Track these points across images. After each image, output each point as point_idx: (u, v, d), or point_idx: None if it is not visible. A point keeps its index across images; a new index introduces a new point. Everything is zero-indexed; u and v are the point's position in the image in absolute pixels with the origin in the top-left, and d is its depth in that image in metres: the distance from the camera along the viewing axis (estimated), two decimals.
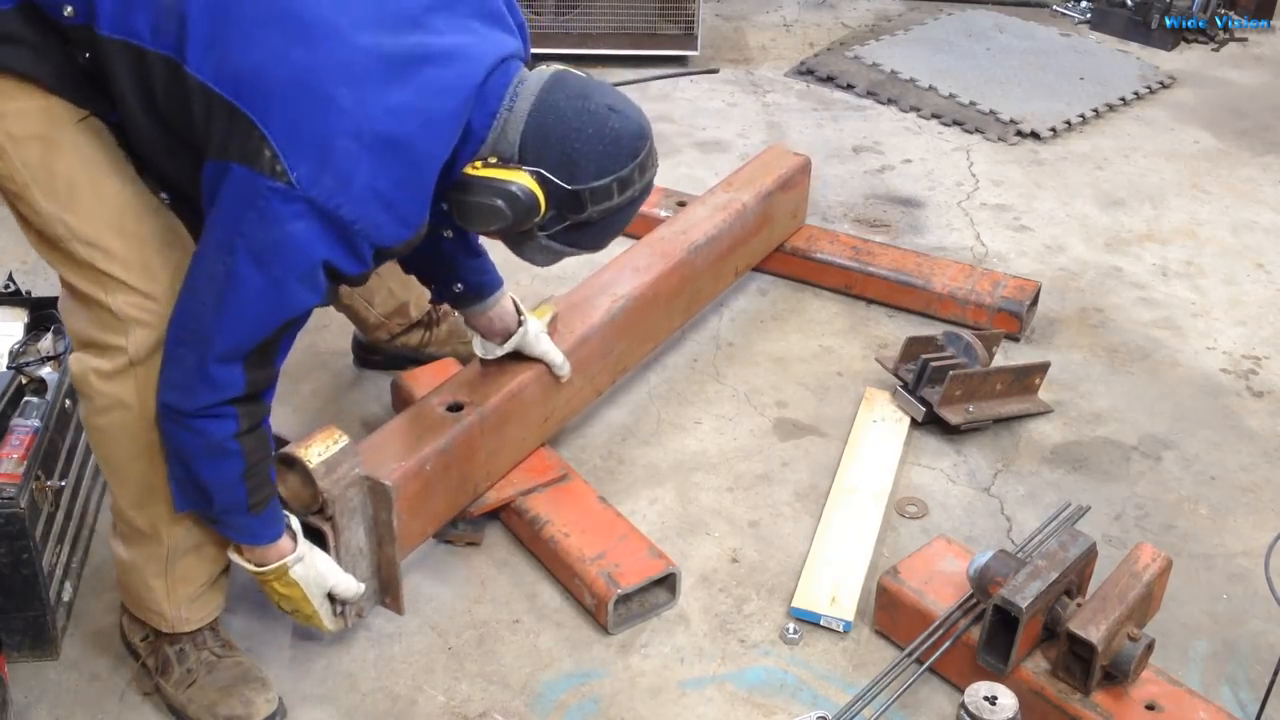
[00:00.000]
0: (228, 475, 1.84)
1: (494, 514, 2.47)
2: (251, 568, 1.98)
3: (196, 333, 1.75)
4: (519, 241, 1.94)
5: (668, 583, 2.32)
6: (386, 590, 2.25)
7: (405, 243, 1.79)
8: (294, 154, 1.63)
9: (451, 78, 1.74)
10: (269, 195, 1.64)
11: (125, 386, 1.84)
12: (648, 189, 1.92)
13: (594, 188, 1.82)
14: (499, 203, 1.79)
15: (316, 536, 2.08)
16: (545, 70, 1.86)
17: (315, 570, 2.03)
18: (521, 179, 1.79)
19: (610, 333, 2.66)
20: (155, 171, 1.87)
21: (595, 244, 1.96)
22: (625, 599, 2.26)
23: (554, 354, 2.45)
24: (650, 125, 1.91)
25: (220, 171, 1.66)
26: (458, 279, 2.27)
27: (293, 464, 2.05)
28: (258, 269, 1.69)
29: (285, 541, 1.98)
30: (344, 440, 2.08)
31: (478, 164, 1.82)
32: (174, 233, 1.86)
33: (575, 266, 3.35)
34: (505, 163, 1.81)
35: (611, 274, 2.79)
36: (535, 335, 2.42)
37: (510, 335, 2.38)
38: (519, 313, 2.40)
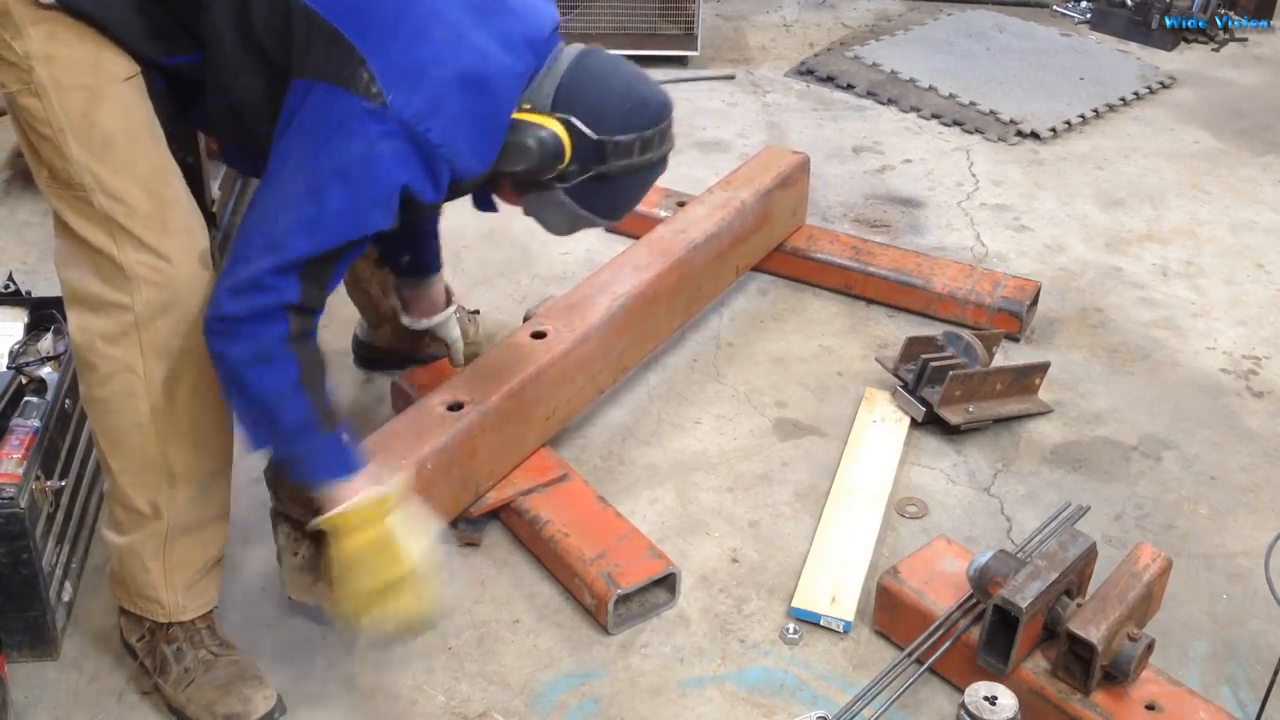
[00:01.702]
0: (283, 381, 1.80)
1: (494, 514, 2.47)
2: (345, 512, 1.81)
3: (261, 242, 1.78)
4: (539, 197, 1.99)
5: (667, 582, 2.32)
6: None
7: (475, 179, 1.90)
8: (390, 79, 1.74)
9: (526, 31, 1.90)
10: (363, 116, 1.74)
11: (131, 350, 1.85)
12: (664, 162, 2.03)
13: (617, 140, 1.92)
14: (530, 142, 1.88)
15: (318, 541, 2.08)
16: (578, 45, 2.00)
17: (413, 509, 1.88)
18: (552, 125, 1.90)
19: (610, 331, 2.66)
20: (203, 115, 1.96)
21: (609, 209, 2.02)
22: (625, 599, 2.26)
23: (458, 342, 2.62)
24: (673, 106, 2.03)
25: (313, 91, 1.75)
26: (409, 250, 2.46)
27: None
28: (341, 185, 1.76)
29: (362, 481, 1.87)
30: None
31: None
32: (192, 201, 1.91)
33: (575, 266, 3.35)
34: (538, 110, 1.91)
35: (611, 273, 2.79)
36: (452, 320, 2.60)
37: (436, 314, 2.56)
38: (449, 297, 2.59)
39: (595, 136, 1.91)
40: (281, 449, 1.89)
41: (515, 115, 1.90)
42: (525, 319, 2.71)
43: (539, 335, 2.56)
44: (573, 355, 2.54)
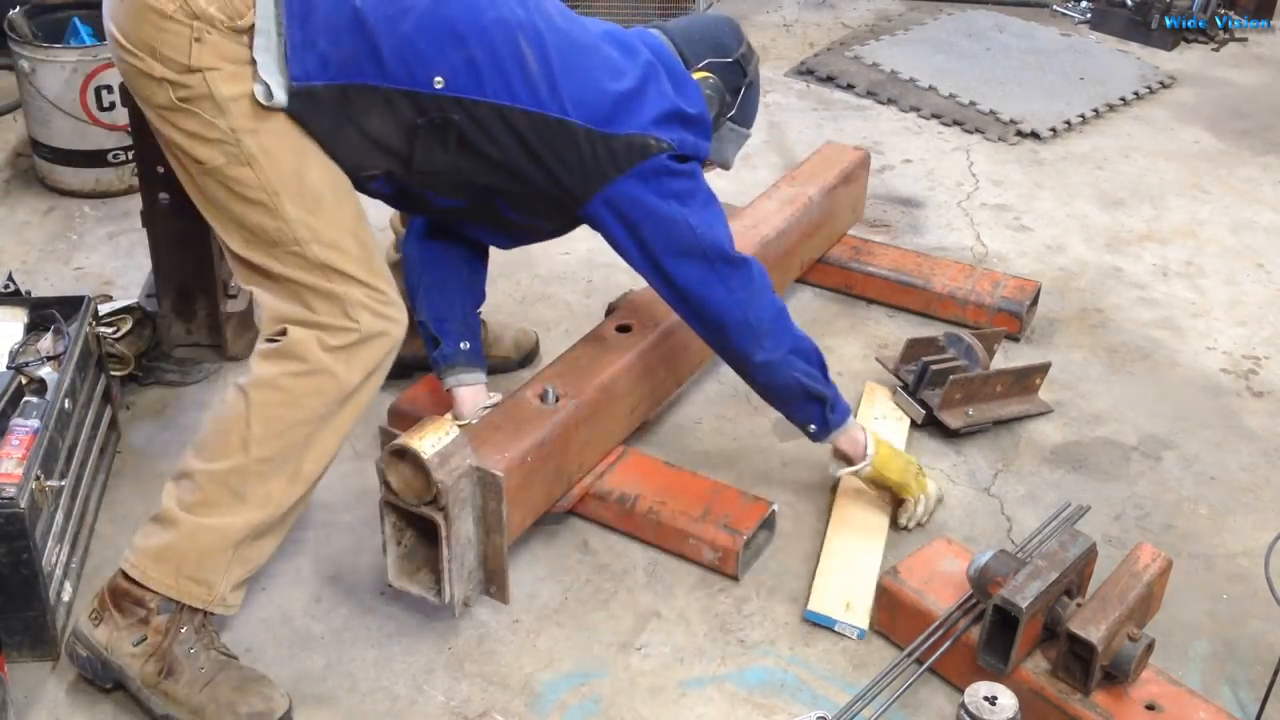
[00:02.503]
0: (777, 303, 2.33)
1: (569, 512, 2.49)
2: (870, 441, 2.40)
3: (709, 256, 2.23)
4: (719, 139, 2.38)
5: (768, 521, 2.44)
6: (492, 580, 2.25)
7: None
8: (662, 132, 2.18)
9: (627, 38, 2.29)
10: (669, 162, 2.18)
11: (341, 360, 1.99)
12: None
13: (743, 53, 2.39)
14: (709, 93, 2.32)
15: (427, 527, 2.10)
16: (635, 27, 2.37)
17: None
18: (701, 74, 2.33)
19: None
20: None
21: (753, 112, 2.47)
22: (746, 543, 2.36)
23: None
24: None
25: (621, 187, 2.16)
26: (467, 330, 2.48)
27: (404, 455, 2.06)
28: (702, 207, 2.24)
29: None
30: (455, 431, 2.11)
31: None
32: (376, 240, 2.08)
33: (575, 266, 3.36)
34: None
35: None
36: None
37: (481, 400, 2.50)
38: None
39: (729, 60, 2.35)
40: (829, 392, 2.34)
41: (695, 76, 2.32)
42: (608, 312, 2.74)
43: (624, 329, 2.58)
44: (657, 349, 2.56)
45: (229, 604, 2.08)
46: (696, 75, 2.32)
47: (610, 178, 2.15)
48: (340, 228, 1.99)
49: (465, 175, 2.12)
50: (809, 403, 2.35)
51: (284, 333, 1.99)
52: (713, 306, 2.26)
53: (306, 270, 1.97)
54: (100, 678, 2.08)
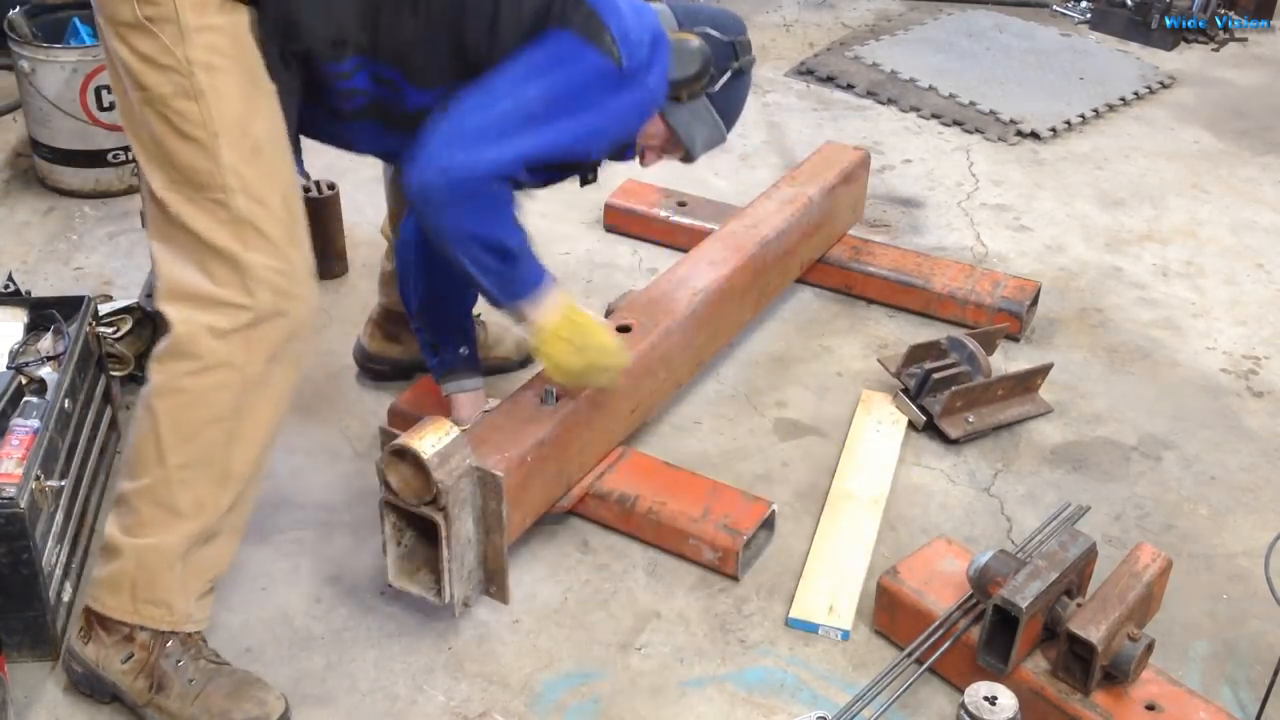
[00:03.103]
0: (507, 218, 2.11)
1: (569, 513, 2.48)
2: (549, 319, 2.19)
3: (496, 132, 2.05)
4: (692, 110, 2.30)
5: (768, 521, 2.44)
6: (492, 580, 2.25)
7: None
8: (623, 44, 2.09)
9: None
10: (609, 69, 2.09)
11: (237, 347, 1.92)
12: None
13: (740, 40, 2.33)
14: (693, 46, 2.25)
15: (427, 527, 2.10)
16: None
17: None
18: (691, 36, 2.27)
19: (691, 325, 2.69)
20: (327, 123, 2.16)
21: (734, 111, 2.39)
22: (746, 544, 2.35)
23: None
24: None
25: (567, 37, 2.06)
26: (464, 337, 2.45)
27: (404, 455, 2.06)
28: (583, 117, 2.11)
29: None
30: (455, 431, 2.11)
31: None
32: (303, 211, 2.02)
33: (575, 266, 3.36)
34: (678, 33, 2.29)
35: (688, 268, 2.82)
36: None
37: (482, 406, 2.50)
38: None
39: (725, 38, 2.30)
40: (507, 278, 2.15)
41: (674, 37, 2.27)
42: (607, 313, 2.73)
43: (624, 329, 2.58)
44: (657, 349, 2.56)
45: (196, 619, 2.06)
46: (686, 35, 2.27)
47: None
48: (271, 185, 1.93)
49: (434, 44, 2.05)
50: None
51: (171, 327, 1.94)
52: (438, 173, 2.05)
53: (221, 225, 1.90)
54: (97, 692, 2.08)
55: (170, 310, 1.94)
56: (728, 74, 2.31)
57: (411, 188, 2.05)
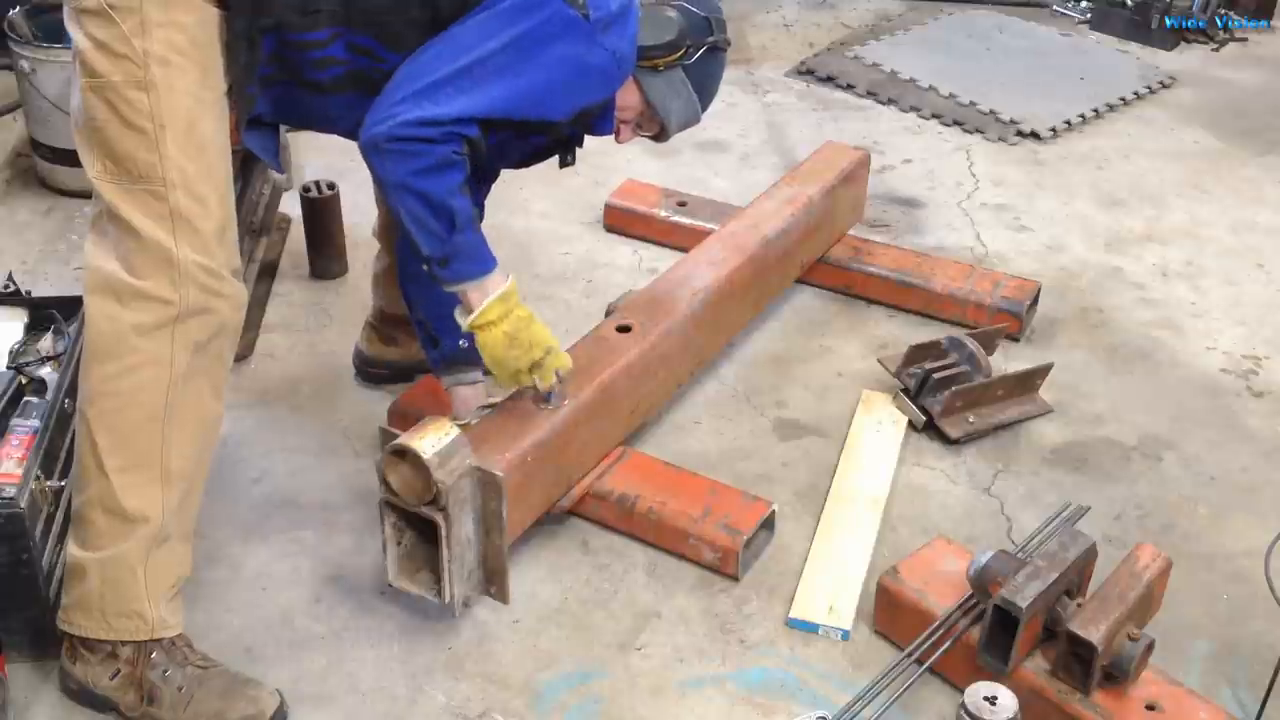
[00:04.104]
0: (457, 182, 2.04)
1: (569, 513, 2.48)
2: (490, 306, 2.11)
3: (452, 89, 2.01)
4: (668, 80, 2.28)
5: (768, 521, 2.44)
6: (492, 580, 2.25)
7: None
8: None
9: None
10: (573, 21, 2.07)
11: (163, 343, 1.93)
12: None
13: (718, 18, 2.32)
14: (670, 13, 2.26)
15: (427, 527, 2.10)
16: None
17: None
18: (669, 8, 2.28)
19: (691, 325, 2.69)
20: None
21: (709, 88, 2.37)
22: (746, 544, 2.35)
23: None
24: None
25: None
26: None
27: (404, 455, 2.06)
28: (544, 70, 2.07)
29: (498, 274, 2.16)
30: (455, 431, 2.11)
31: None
32: (234, 216, 2.05)
33: (575, 266, 3.36)
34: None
35: (688, 267, 2.82)
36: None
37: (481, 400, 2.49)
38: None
39: (702, 14, 2.29)
40: (447, 246, 2.08)
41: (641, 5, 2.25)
42: (608, 313, 2.73)
43: (624, 329, 2.57)
44: (658, 349, 2.56)
45: (169, 624, 2.05)
46: (662, 5, 2.27)
47: None
48: (210, 183, 1.94)
49: (407, 8, 2.05)
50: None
51: (95, 325, 1.94)
52: (392, 123, 2.01)
53: (155, 219, 1.90)
54: (95, 705, 2.08)
55: (95, 304, 1.94)
56: (704, 48, 2.30)
57: (362, 136, 2.03)
